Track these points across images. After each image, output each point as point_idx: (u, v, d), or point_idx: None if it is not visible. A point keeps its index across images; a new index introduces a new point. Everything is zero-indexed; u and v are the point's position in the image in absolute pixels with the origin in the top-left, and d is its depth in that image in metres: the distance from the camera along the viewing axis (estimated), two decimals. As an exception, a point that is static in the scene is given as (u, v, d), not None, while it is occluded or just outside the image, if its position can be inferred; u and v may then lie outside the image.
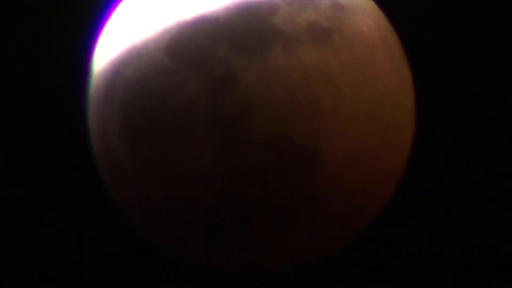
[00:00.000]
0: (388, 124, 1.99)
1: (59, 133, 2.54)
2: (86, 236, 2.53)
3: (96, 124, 2.08)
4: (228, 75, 1.87)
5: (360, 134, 1.93)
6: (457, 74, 2.56)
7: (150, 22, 1.97)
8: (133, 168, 1.98)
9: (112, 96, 2.00)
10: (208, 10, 1.93)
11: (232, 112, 1.86)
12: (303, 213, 1.94)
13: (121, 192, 2.08)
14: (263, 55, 1.88)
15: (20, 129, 2.54)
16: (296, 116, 1.87)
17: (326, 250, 2.13)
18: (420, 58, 2.51)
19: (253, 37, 1.89)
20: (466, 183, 2.55)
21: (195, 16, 1.93)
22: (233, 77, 1.87)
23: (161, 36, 1.94)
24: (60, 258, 2.53)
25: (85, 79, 2.16)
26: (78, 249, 2.53)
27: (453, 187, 2.55)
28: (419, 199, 2.54)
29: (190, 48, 1.90)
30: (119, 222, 2.41)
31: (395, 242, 2.52)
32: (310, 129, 1.88)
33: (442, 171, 2.55)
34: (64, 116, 2.53)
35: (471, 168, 2.55)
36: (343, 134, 1.91)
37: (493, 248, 2.53)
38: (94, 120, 2.09)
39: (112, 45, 2.05)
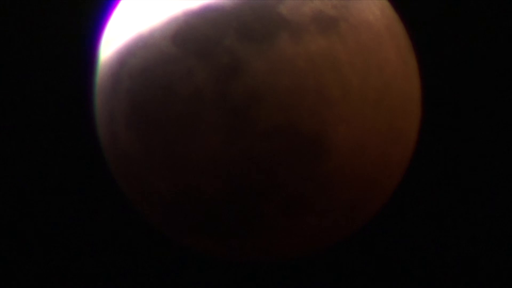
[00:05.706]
0: (395, 112, 2.00)
1: (65, 123, 2.54)
2: (94, 226, 2.54)
3: (103, 113, 2.08)
4: (234, 64, 1.87)
5: (366, 122, 1.93)
6: (463, 63, 2.56)
7: (156, 11, 1.98)
8: (140, 156, 1.98)
9: (119, 85, 2.00)
10: (214, -1, 1.93)
11: (239, 101, 1.86)
12: (310, 201, 1.95)
13: (128, 181, 2.08)
14: (270, 44, 1.88)
15: (26, 119, 2.55)
16: (303, 105, 1.87)
17: (331, 238, 2.14)
18: (426, 46, 2.51)
19: (259, 26, 1.89)
20: (473, 171, 2.55)
21: (202, 5, 1.93)
22: (240, 66, 1.87)
23: (168, 25, 1.94)
24: (67, 248, 2.54)
25: (92, 68, 2.16)
26: (86, 238, 2.54)
27: (460, 176, 2.55)
28: (426, 188, 2.55)
29: (196, 37, 1.90)
30: (126, 211, 2.42)
31: (401, 231, 2.53)
32: (317, 117, 1.88)
33: (448, 160, 2.55)
34: (70, 106, 2.54)
35: (478, 157, 2.55)
36: (350, 122, 1.91)
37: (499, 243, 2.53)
38: (101, 109, 2.09)
39: (119, 34, 2.05)
